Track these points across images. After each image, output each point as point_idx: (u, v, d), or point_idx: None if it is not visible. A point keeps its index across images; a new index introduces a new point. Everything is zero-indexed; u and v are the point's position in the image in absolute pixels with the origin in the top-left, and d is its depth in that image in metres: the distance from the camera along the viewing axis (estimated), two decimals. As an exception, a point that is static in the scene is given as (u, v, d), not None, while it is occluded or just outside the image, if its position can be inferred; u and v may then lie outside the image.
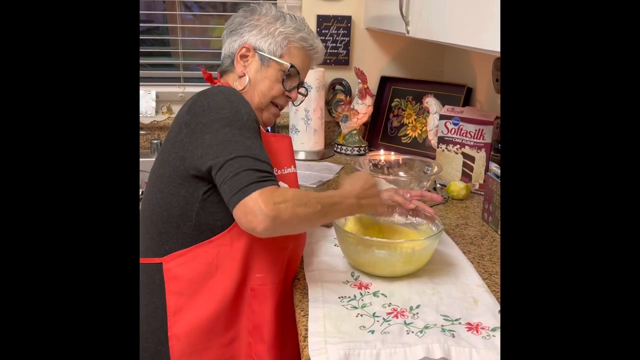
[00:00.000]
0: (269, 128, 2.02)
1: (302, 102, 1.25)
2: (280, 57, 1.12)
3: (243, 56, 1.13)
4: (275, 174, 1.10)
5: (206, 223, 1.00)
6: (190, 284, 1.00)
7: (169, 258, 1.01)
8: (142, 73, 2.15)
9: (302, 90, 1.22)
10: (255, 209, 0.85)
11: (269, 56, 1.12)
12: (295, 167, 1.17)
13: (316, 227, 1.22)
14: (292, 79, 1.15)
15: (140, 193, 1.71)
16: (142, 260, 1.05)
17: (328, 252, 1.19)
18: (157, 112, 2.15)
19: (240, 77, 1.13)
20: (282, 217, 0.86)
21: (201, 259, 1.00)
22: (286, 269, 1.09)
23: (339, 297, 1.00)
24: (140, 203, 1.09)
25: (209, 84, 1.19)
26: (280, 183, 1.08)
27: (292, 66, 1.13)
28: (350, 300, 1.00)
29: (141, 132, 2.12)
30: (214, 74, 1.20)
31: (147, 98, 2.13)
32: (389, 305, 0.98)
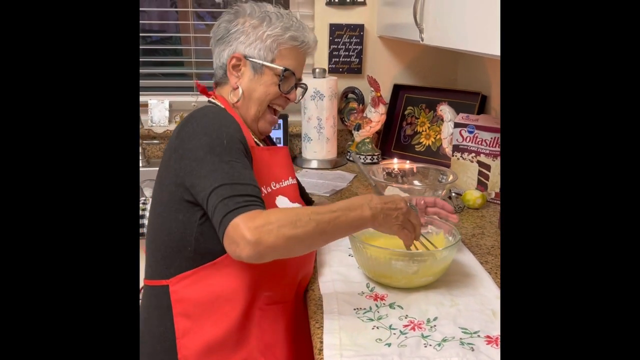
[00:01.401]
0: (272, 138, 2.02)
1: (302, 96, 1.20)
2: (272, 61, 1.08)
3: (235, 66, 1.08)
4: (274, 188, 1.05)
5: (206, 247, 0.97)
6: (197, 306, 0.98)
7: (174, 280, 0.99)
8: (155, 82, 2.17)
9: (301, 85, 1.17)
10: (236, 237, 0.82)
11: (260, 62, 1.07)
12: (294, 178, 1.13)
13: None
14: (288, 80, 1.11)
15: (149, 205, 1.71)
16: (150, 283, 1.03)
17: (342, 263, 1.18)
18: (170, 121, 2.15)
19: (235, 89, 1.09)
20: (265, 241, 0.81)
21: (207, 281, 0.98)
22: (297, 285, 1.07)
23: (355, 309, 0.99)
24: (147, 224, 1.07)
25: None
26: (280, 196, 1.05)
27: (286, 69, 1.08)
28: (365, 312, 0.98)
29: (154, 141, 2.12)
30: (209, 83, 1.17)
31: (160, 107, 2.14)
32: (406, 318, 0.96)
